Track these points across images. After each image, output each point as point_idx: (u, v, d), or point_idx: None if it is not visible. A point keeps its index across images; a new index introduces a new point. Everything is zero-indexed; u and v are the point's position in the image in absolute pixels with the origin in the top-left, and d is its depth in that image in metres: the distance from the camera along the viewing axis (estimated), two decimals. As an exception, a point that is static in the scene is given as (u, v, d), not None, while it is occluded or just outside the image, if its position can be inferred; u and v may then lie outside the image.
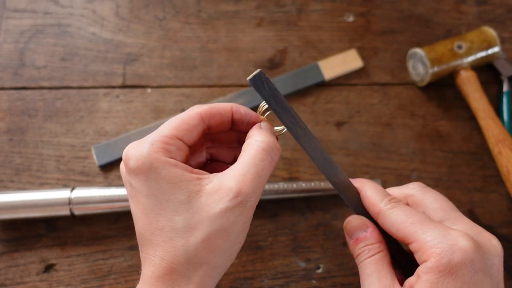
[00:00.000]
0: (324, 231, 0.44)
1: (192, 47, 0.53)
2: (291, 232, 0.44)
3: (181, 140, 0.27)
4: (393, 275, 0.27)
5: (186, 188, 0.26)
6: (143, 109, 0.49)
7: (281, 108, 0.29)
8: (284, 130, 0.30)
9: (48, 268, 0.41)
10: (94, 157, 0.46)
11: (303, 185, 0.44)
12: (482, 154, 0.49)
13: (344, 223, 0.30)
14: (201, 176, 0.27)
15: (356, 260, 0.29)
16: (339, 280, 0.42)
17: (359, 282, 0.41)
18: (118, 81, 0.50)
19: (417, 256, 0.26)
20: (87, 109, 0.49)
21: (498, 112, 0.50)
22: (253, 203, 0.26)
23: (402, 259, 0.30)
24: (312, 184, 0.44)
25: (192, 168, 0.27)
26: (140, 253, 0.28)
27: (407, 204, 0.30)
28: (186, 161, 0.29)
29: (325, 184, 0.44)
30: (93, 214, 0.42)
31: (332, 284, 0.42)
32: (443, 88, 0.52)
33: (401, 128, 0.50)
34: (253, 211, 0.27)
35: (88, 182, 0.45)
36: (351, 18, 0.56)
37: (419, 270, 0.25)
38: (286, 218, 0.44)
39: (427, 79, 0.50)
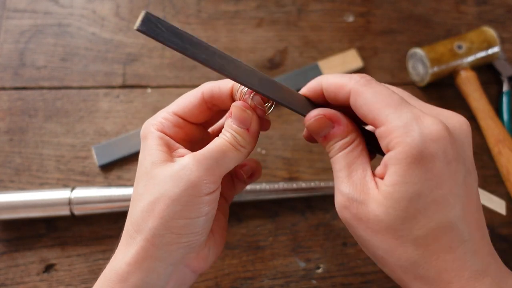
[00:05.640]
0: (324, 231, 0.44)
1: (192, 47, 0.53)
2: (291, 232, 0.44)
3: (181, 117, 0.29)
4: (366, 165, 0.25)
5: (151, 160, 0.27)
6: (143, 109, 0.49)
7: (190, 44, 0.24)
8: (272, 109, 0.28)
9: (48, 268, 0.41)
10: (94, 157, 0.46)
11: (303, 185, 0.44)
12: (482, 154, 0.49)
13: (306, 123, 0.27)
14: (177, 154, 0.28)
15: (328, 155, 0.27)
16: (339, 280, 0.42)
17: (359, 282, 0.42)
18: (118, 81, 0.50)
19: (384, 143, 0.24)
20: (87, 109, 0.49)
21: (498, 112, 0.50)
22: (208, 185, 0.26)
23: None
24: (312, 184, 0.44)
25: (177, 145, 0.28)
26: None
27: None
28: (186, 137, 0.30)
29: (325, 184, 0.44)
30: (93, 214, 0.42)
31: (332, 284, 0.42)
32: (443, 88, 0.52)
33: (401, 128, 0.50)
34: (209, 198, 0.27)
35: (88, 182, 0.45)
36: (351, 18, 0.56)
37: (386, 159, 0.24)
38: (286, 218, 0.44)
39: (427, 79, 0.50)
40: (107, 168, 0.46)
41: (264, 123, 0.30)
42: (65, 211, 0.41)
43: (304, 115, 0.27)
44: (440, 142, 0.23)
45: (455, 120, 0.25)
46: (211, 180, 0.26)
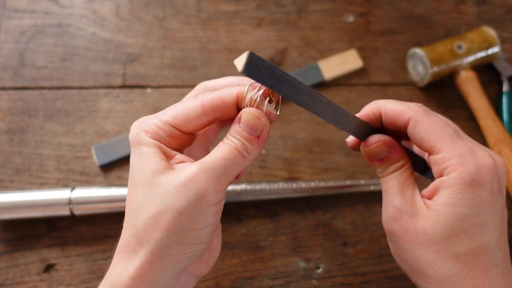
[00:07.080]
0: (324, 231, 0.44)
1: (192, 47, 0.53)
2: (291, 232, 0.44)
3: (177, 128, 0.28)
4: (415, 186, 0.29)
5: (151, 168, 0.26)
6: (143, 109, 0.49)
7: (285, 85, 0.25)
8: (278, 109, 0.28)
9: (48, 268, 0.41)
10: (94, 157, 0.46)
11: (303, 185, 0.44)
12: (482, 154, 0.49)
13: (367, 148, 0.30)
14: (175, 161, 0.27)
15: (378, 174, 0.30)
16: (339, 280, 0.42)
17: (359, 282, 0.42)
18: (118, 81, 0.50)
19: (438, 168, 0.27)
20: (87, 109, 0.49)
21: (498, 112, 0.50)
22: (215, 195, 0.26)
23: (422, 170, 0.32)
24: (312, 184, 0.44)
25: (174, 152, 0.28)
26: None
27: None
28: (181, 145, 0.29)
29: (325, 184, 0.44)
30: (93, 214, 0.42)
31: (332, 284, 0.42)
32: (443, 88, 0.52)
33: (401, 128, 0.50)
34: (216, 208, 0.26)
35: (88, 182, 0.45)
36: (351, 18, 0.56)
37: (438, 182, 0.27)
38: (286, 218, 0.44)
39: (427, 79, 0.50)
40: (107, 168, 0.46)
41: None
42: (65, 211, 0.41)
43: (361, 140, 0.30)
44: (490, 173, 0.26)
45: (496, 157, 0.28)
46: (219, 190, 0.26)
